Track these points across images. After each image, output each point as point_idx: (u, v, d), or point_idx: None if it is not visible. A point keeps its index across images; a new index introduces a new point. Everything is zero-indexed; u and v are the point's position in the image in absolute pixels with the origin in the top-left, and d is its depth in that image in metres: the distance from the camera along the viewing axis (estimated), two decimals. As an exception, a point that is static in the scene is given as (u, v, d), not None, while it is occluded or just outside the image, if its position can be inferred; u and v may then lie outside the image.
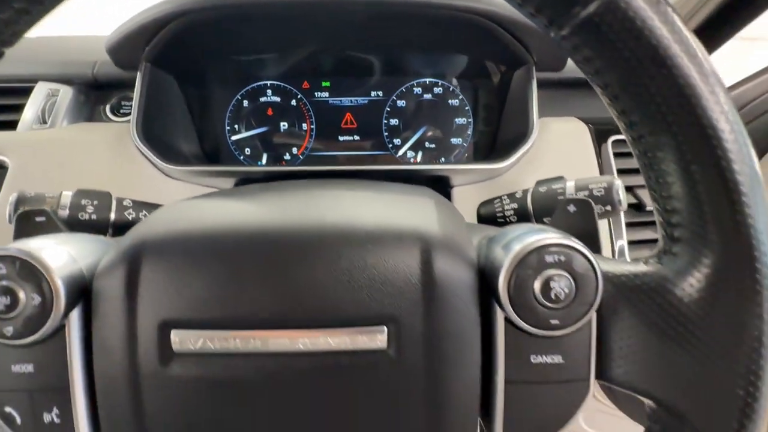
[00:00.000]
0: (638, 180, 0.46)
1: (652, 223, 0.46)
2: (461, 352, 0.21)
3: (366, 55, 0.54)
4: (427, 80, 0.56)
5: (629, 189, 0.46)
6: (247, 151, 0.56)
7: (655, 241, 0.46)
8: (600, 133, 0.48)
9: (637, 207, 0.45)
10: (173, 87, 0.50)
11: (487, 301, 0.21)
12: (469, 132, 0.56)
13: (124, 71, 0.49)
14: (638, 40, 0.17)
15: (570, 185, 0.31)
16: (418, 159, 0.56)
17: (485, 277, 0.21)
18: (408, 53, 0.54)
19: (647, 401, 0.21)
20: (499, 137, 0.53)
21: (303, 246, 0.20)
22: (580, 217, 0.25)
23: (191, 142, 0.53)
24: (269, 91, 0.55)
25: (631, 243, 0.45)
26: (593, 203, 0.26)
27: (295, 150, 0.56)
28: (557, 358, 0.21)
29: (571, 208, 0.26)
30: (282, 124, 0.56)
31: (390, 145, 0.56)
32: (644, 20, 0.17)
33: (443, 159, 0.56)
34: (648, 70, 0.17)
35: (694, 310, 0.19)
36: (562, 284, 0.20)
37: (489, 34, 0.47)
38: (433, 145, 0.56)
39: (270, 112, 0.55)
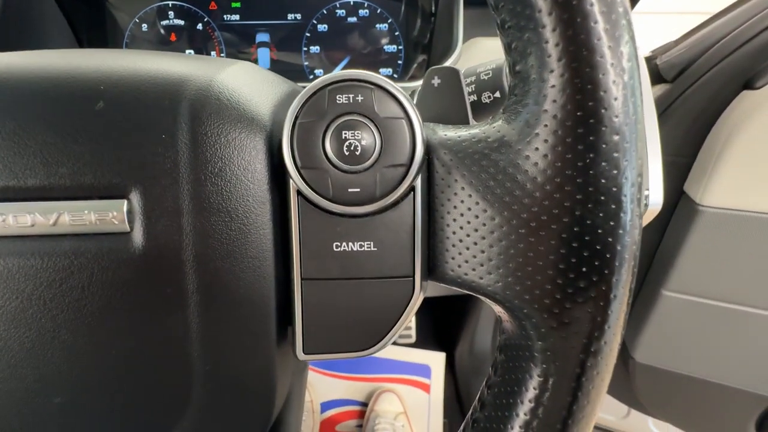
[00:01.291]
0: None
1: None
2: (242, 238, 0.15)
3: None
4: (352, 1, 0.49)
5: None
6: (149, 82, 0.49)
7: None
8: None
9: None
10: (47, 2, 0.43)
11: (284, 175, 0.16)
12: (400, 62, 0.50)
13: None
14: None
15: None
16: (343, 92, 0.50)
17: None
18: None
19: (492, 304, 0.15)
20: (430, 62, 0.47)
21: (9, 89, 0.15)
22: (446, 90, 0.20)
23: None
24: (171, 13, 0.49)
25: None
26: (476, 95, 0.21)
27: (204, 82, 0.50)
28: (367, 245, 0.15)
29: (436, 80, 0.20)
30: (188, 51, 0.49)
31: (311, 77, 0.50)
32: None
33: (371, 92, 0.50)
34: None
35: (539, 168, 0.13)
36: (358, 133, 0.14)
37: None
38: (359, 77, 0.50)
39: (173, 37, 0.49)
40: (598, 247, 0.13)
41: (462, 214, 0.15)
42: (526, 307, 0.14)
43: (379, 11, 0.49)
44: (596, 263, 0.13)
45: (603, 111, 0.12)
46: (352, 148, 0.14)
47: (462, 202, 0.15)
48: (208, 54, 0.49)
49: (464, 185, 0.15)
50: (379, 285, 0.16)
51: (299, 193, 0.15)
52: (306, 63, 0.50)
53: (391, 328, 0.16)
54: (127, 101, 0.15)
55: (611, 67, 0.12)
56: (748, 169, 0.60)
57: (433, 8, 0.47)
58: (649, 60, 0.68)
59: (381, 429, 0.84)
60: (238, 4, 0.49)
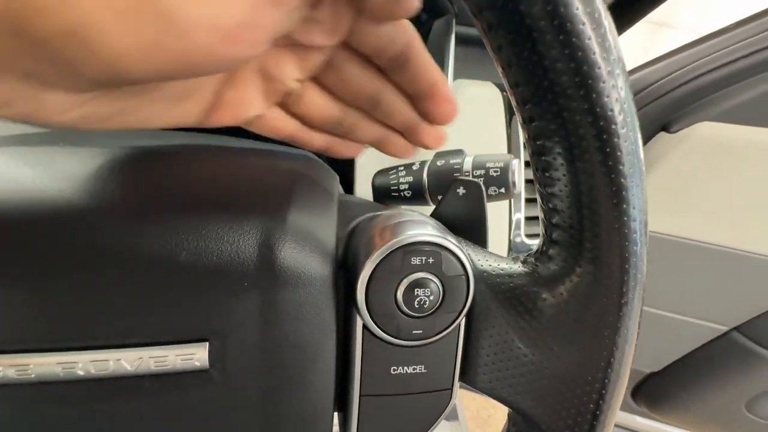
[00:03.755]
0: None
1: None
2: (310, 366, 0.17)
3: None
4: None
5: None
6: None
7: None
8: (513, 103, 0.46)
9: (538, 182, 0.45)
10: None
11: (349, 302, 0.18)
12: (383, 86, 0.50)
13: None
14: None
15: (468, 161, 0.28)
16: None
17: (348, 273, 0.17)
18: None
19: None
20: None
21: (77, 229, 0.14)
22: (469, 201, 0.22)
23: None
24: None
25: (528, 219, 0.45)
26: (484, 187, 0.23)
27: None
28: (419, 368, 0.18)
29: (461, 190, 0.23)
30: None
31: (292, 92, 0.48)
32: None
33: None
34: (544, 34, 0.13)
35: (560, 319, 0.17)
36: (428, 290, 0.17)
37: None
38: (342, 97, 0.50)
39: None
40: (602, 392, 0.17)
41: (497, 343, 0.18)
42: (539, 417, 0.18)
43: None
44: (597, 399, 0.17)
45: (622, 291, 0.16)
46: (421, 303, 0.17)
47: (498, 333, 0.18)
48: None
49: (499, 319, 0.18)
50: (424, 397, 0.19)
51: (365, 327, 0.17)
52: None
53: (432, 424, 0.19)
54: (208, 251, 0.15)
55: (632, 260, 0.16)
56: (657, 199, 0.72)
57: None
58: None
59: None
60: None
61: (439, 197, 0.29)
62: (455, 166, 0.28)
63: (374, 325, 0.17)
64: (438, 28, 0.45)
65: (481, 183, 0.26)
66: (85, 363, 0.14)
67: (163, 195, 0.16)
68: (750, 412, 0.81)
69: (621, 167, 0.14)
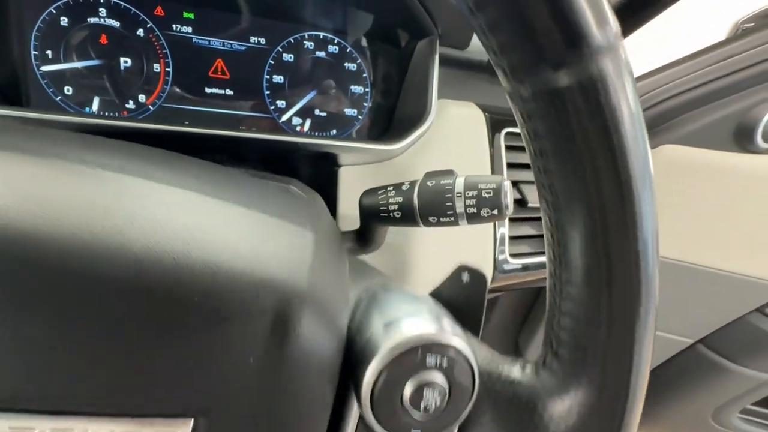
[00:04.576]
0: (525, 176, 0.46)
1: (534, 219, 0.47)
2: None
3: (246, -14, 0.43)
4: (321, 34, 0.47)
5: (514, 184, 0.46)
6: (68, 90, 0.41)
7: (534, 237, 0.47)
8: (495, 123, 0.46)
9: (519, 202, 0.46)
10: None
11: (345, 382, 0.16)
12: (366, 104, 0.50)
13: None
14: (594, 118, 0.13)
15: (459, 182, 0.27)
16: (306, 128, 0.48)
17: (351, 351, 0.16)
18: (300, -4, 0.45)
19: None
20: (396, 113, 0.49)
21: (56, 288, 0.12)
22: (471, 290, 0.22)
23: (-34, 65, 0.36)
24: (103, 10, 0.41)
25: (512, 238, 0.45)
26: (476, 208, 0.23)
27: (143, 98, 0.43)
28: None
29: (465, 277, 0.22)
30: (123, 60, 0.42)
31: (272, 107, 0.47)
32: (610, 103, 0.13)
33: (335, 131, 0.49)
34: (592, 156, 0.13)
35: None
36: (436, 392, 0.16)
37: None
38: (323, 114, 0.49)
39: (104, 39, 0.41)
40: None
41: None
42: None
43: (349, 50, 0.48)
44: None
45: (623, 417, 0.15)
46: (426, 403, 0.16)
47: None
48: (150, 67, 0.42)
49: (492, 421, 0.17)
50: None
51: (362, 418, 0.16)
52: (267, 92, 0.46)
53: None
54: (218, 319, 0.13)
55: (635, 388, 0.15)
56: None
57: (403, 59, 0.48)
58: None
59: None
60: (191, 15, 0.43)
61: (430, 218, 0.28)
62: (446, 187, 0.28)
63: (374, 421, 0.15)
64: (421, 49, 0.45)
65: (474, 204, 0.26)
66: (43, 429, 0.12)
67: (157, 238, 0.14)
68: (716, 422, 0.84)
69: (641, 310, 0.15)
